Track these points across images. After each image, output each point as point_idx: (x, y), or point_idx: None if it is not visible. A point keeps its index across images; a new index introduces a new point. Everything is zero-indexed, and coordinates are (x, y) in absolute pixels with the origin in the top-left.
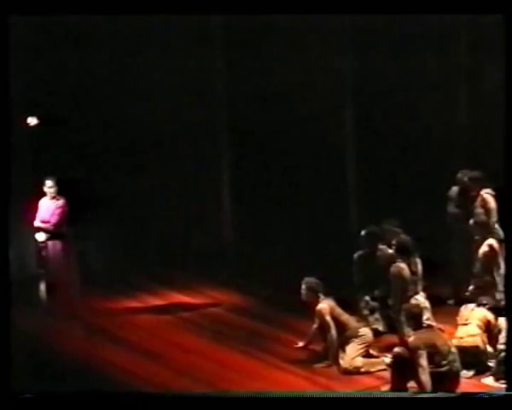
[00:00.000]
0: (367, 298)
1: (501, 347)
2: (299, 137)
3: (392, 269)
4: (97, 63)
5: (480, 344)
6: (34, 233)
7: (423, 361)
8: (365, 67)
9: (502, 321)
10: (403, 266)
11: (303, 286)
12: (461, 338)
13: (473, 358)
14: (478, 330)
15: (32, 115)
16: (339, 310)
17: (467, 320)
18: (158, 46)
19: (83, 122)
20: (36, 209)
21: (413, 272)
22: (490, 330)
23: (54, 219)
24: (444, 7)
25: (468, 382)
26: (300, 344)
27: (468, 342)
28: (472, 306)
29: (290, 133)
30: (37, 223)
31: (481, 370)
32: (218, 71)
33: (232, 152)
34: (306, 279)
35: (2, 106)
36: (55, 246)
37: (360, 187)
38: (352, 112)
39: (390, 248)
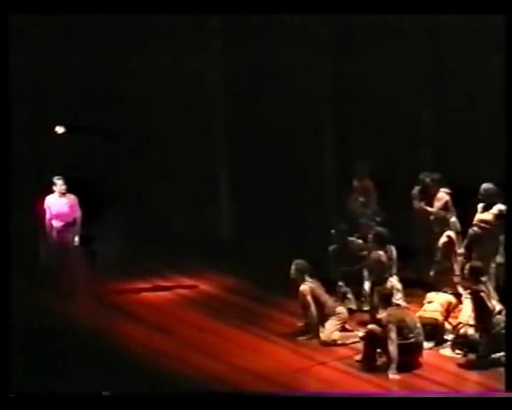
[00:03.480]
0: (340, 283)
1: (460, 320)
2: (287, 136)
3: (372, 255)
4: (96, 63)
5: (439, 318)
6: (47, 226)
7: (393, 335)
8: (344, 66)
9: (463, 304)
10: (381, 253)
11: (292, 267)
12: (424, 311)
13: (432, 329)
14: (439, 308)
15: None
16: (320, 291)
17: (432, 300)
18: (158, 46)
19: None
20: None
21: (388, 258)
22: (449, 310)
23: (67, 212)
24: (444, 7)
25: (429, 353)
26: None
27: (430, 314)
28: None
29: (278, 132)
30: (50, 216)
31: (439, 342)
32: (215, 69)
33: (228, 151)
34: (296, 261)
35: (3, 105)
36: (67, 234)
37: (338, 181)
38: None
39: (364, 239)
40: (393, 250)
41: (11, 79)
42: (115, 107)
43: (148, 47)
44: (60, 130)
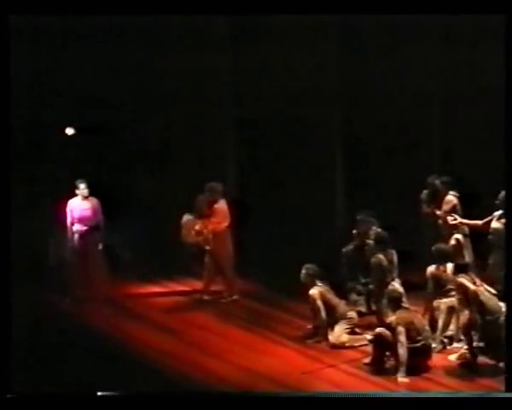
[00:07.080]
0: (353, 284)
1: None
2: (296, 139)
3: (373, 260)
4: (104, 64)
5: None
6: (68, 228)
7: (402, 338)
8: (352, 67)
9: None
10: (381, 256)
11: (303, 271)
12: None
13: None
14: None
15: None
16: (330, 295)
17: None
18: (165, 46)
19: (104, 127)
20: (66, 208)
21: (389, 262)
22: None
23: (90, 216)
24: (444, 7)
25: (436, 356)
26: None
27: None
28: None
29: (288, 135)
30: (72, 220)
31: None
32: (223, 69)
33: (236, 155)
34: (307, 265)
35: (3, 104)
36: (90, 238)
37: (347, 186)
38: (340, 113)
39: (368, 238)
40: (394, 254)
41: (13, 80)
42: (132, 110)
43: (158, 48)
44: (70, 131)
